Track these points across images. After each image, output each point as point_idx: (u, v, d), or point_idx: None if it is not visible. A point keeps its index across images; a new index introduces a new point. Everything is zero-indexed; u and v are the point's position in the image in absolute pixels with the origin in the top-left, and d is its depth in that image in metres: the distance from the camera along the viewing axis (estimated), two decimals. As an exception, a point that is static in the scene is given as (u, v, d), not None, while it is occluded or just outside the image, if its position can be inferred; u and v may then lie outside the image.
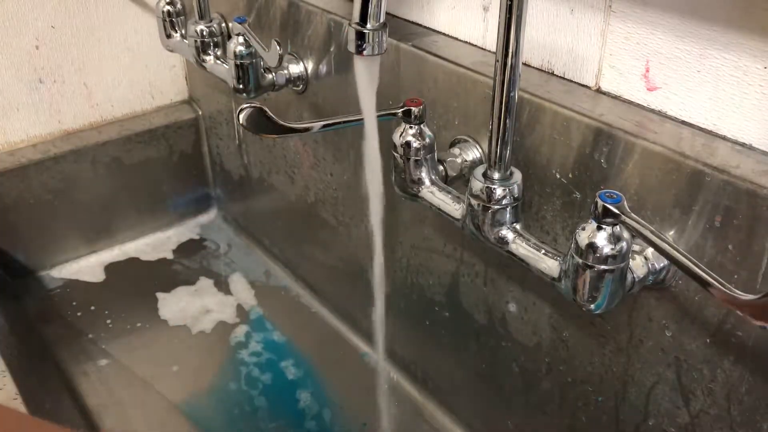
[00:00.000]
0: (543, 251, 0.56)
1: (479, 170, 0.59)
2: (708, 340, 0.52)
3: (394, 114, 0.65)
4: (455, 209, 0.62)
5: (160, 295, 1.05)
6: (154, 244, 1.16)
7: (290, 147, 0.97)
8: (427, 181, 0.65)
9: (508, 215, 0.58)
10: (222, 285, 1.07)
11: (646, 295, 0.56)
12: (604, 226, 0.49)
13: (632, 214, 0.48)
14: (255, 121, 0.73)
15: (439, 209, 0.63)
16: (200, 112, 1.20)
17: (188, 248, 1.15)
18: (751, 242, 0.47)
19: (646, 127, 0.54)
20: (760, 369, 0.50)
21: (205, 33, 0.92)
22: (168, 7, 0.98)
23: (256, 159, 1.06)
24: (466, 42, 0.70)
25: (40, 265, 1.09)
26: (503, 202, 0.57)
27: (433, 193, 0.64)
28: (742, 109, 0.50)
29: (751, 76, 0.49)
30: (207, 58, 0.94)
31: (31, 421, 0.49)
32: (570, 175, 0.58)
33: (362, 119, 0.51)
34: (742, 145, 0.51)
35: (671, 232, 0.52)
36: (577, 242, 0.50)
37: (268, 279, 1.09)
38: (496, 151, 0.56)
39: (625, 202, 0.49)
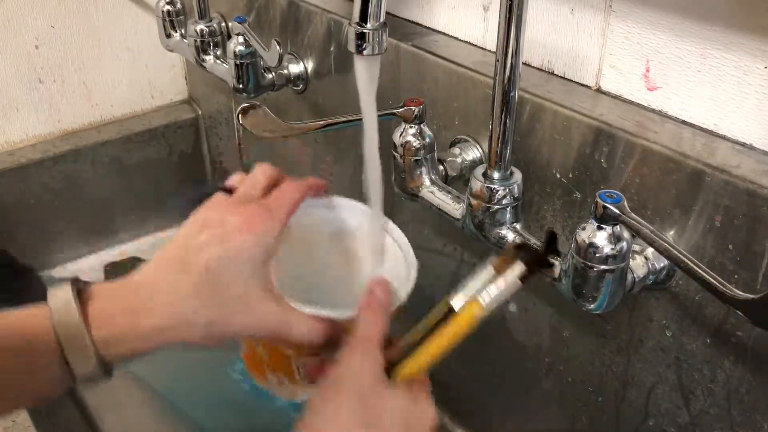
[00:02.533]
0: (543, 251, 0.56)
1: (479, 170, 0.59)
2: (708, 340, 0.52)
3: (394, 114, 0.65)
4: (455, 209, 0.62)
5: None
6: (154, 244, 1.16)
7: (290, 147, 0.97)
8: (427, 181, 0.65)
9: (508, 215, 0.58)
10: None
11: (646, 295, 0.55)
12: (604, 226, 0.49)
13: (632, 214, 0.48)
14: (255, 121, 0.73)
15: (439, 209, 0.63)
16: (200, 112, 1.19)
17: (188, 248, 1.15)
18: (751, 242, 0.47)
19: (647, 126, 0.54)
20: (760, 369, 0.50)
21: (205, 33, 0.92)
22: (168, 7, 0.98)
23: (256, 159, 1.06)
24: (466, 42, 0.70)
25: (40, 265, 1.09)
26: (503, 202, 0.57)
27: (433, 193, 0.64)
28: (743, 109, 0.50)
29: (752, 76, 0.49)
30: (207, 57, 0.94)
31: None
32: (570, 175, 0.58)
33: (362, 119, 0.51)
34: (743, 144, 0.51)
35: (671, 232, 0.52)
36: (577, 242, 0.50)
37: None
38: (496, 151, 0.56)
39: (625, 202, 0.49)
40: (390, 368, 0.47)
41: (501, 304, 0.47)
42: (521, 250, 0.47)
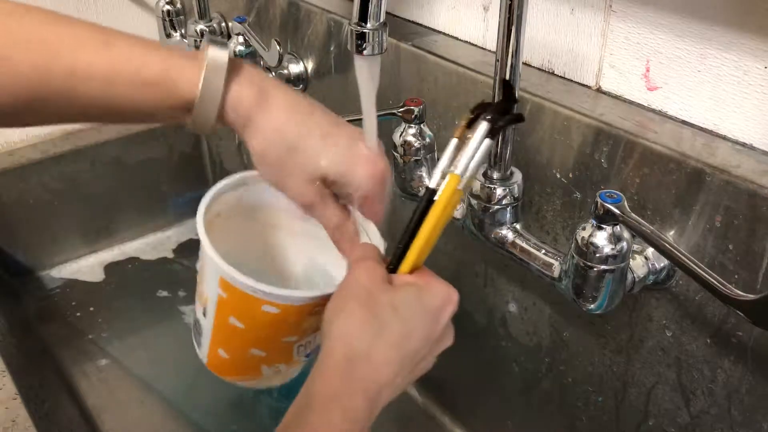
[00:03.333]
0: (543, 251, 0.56)
1: (479, 170, 0.59)
2: (708, 340, 0.52)
3: (394, 114, 0.65)
4: (455, 209, 0.62)
5: (160, 295, 1.05)
6: (154, 244, 1.16)
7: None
8: (427, 181, 0.65)
9: (508, 215, 0.58)
10: (222, 285, 1.07)
11: (646, 295, 0.55)
12: (604, 226, 0.49)
13: (632, 214, 0.48)
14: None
15: (439, 209, 0.63)
16: (200, 112, 1.19)
17: (188, 248, 1.15)
18: (751, 242, 0.47)
19: (647, 126, 0.54)
20: (760, 369, 0.50)
21: (205, 33, 0.92)
22: (168, 7, 0.98)
23: (256, 159, 1.06)
24: (466, 42, 0.70)
25: (40, 265, 1.09)
26: (503, 202, 0.57)
27: (433, 193, 0.64)
28: (743, 109, 0.50)
29: (752, 76, 0.49)
30: (207, 57, 0.94)
31: None
32: (570, 175, 0.58)
33: (362, 119, 0.51)
34: (743, 144, 0.51)
35: (671, 232, 0.52)
36: (577, 242, 0.50)
37: (268, 279, 1.09)
38: (496, 151, 0.56)
39: (625, 202, 0.49)
40: (392, 274, 0.48)
41: (478, 168, 0.46)
42: (480, 108, 0.46)
